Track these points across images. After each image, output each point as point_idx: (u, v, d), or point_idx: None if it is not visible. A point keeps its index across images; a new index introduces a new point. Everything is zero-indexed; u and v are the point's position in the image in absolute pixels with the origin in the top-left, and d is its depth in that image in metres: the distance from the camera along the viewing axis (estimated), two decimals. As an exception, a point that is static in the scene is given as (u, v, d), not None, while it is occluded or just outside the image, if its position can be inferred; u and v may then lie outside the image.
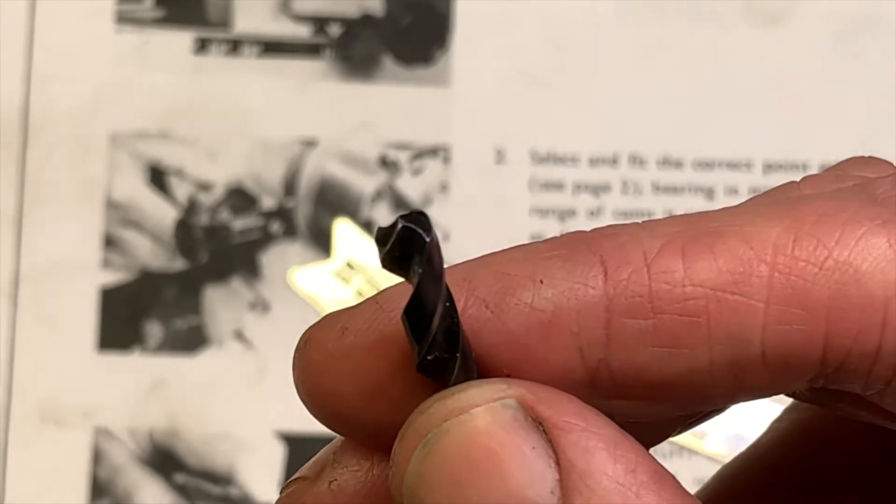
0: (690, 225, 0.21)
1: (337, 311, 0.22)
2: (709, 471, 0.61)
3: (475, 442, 0.20)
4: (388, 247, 0.20)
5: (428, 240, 0.20)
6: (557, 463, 0.20)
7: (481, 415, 0.20)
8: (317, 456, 0.23)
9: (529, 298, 0.21)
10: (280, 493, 0.23)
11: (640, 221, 0.22)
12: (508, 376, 0.21)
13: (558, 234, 0.22)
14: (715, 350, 0.20)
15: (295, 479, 0.23)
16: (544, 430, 0.20)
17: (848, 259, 0.20)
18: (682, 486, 0.21)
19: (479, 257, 0.22)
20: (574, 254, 0.21)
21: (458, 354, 0.20)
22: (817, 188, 0.22)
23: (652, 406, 0.21)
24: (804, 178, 0.23)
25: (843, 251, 0.20)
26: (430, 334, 0.20)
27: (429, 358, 0.20)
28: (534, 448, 0.20)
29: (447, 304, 0.20)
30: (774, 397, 0.24)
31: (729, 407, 0.24)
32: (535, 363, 0.21)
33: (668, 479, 0.20)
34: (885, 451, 0.25)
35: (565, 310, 0.21)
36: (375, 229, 0.20)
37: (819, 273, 0.20)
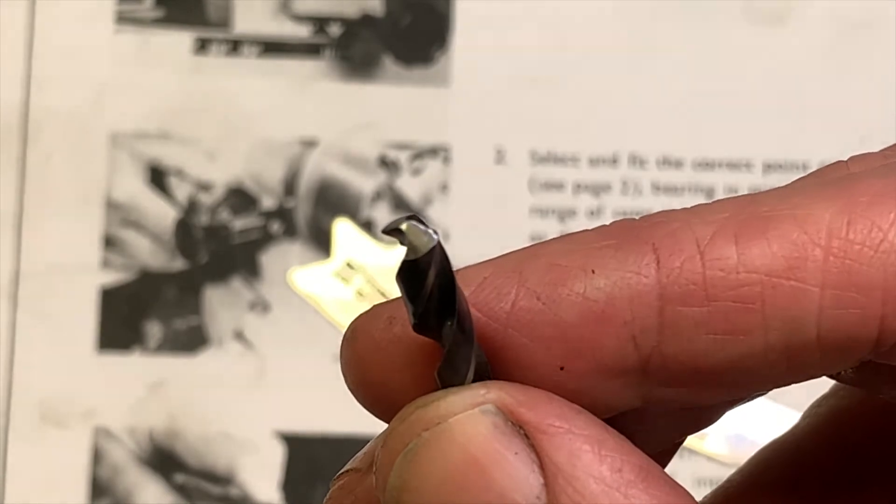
0: (741, 209, 0.21)
1: (385, 302, 0.22)
2: (709, 471, 0.61)
3: (456, 451, 0.20)
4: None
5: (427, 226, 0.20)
6: (542, 467, 0.20)
7: (461, 423, 0.20)
8: (367, 447, 0.23)
9: (582, 289, 0.21)
10: (331, 486, 0.23)
11: (688, 207, 0.22)
12: (562, 368, 0.21)
13: (558, 234, 0.22)
14: (770, 336, 0.20)
15: (346, 472, 0.23)
16: (526, 434, 0.20)
17: None
18: (670, 479, 0.21)
19: (527, 248, 0.22)
20: (625, 243, 0.21)
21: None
22: (865, 167, 0.22)
23: (704, 392, 0.21)
24: (852, 158, 0.23)
25: None
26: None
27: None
28: (516, 454, 0.20)
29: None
30: (774, 397, 0.24)
31: (776, 388, 0.23)
32: (589, 353, 0.21)
33: (655, 474, 0.20)
34: None
35: (618, 299, 0.21)
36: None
37: (874, 256, 0.20)
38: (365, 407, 0.22)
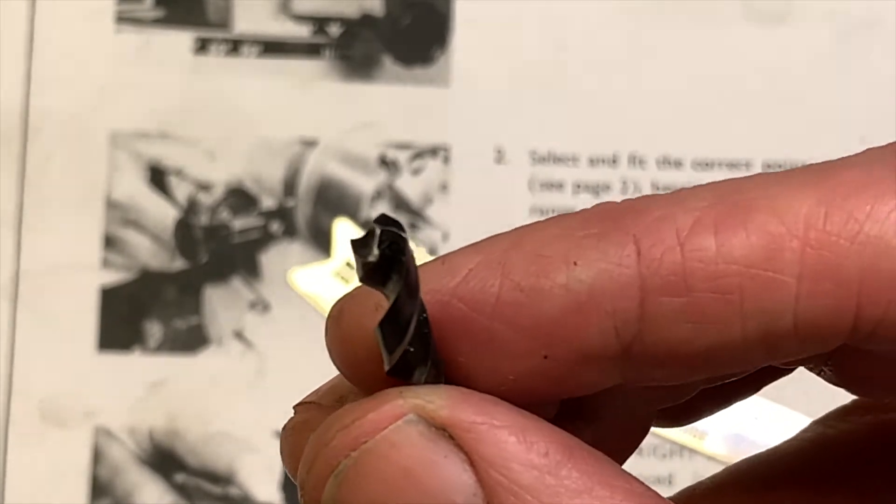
0: (721, 198, 0.21)
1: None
2: (709, 471, 0.61)
3: (389, 465, 0.20)
4: (370, 254, 0.20)
5: (405, 236, 0.20)
6: (472, 464, 0.20)
7: (388, 438, 0.21)
8: (333, 382, 0.23)
9: (564, 280, 0.21)
10: (294, 412, 0.23)
11: (670, 192, 0.22)
12: (545, 356, 0.21)
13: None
14: (748, 324, 0.21)
15: (310, 403, 0.23)
16: (451, 436, 0.21)
17: (879, 233, 0.20)
18: (597, 454, 0.21)
19: (510, 234, 0.22)
20: (607, 232, 0.21)
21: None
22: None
23: (683, 374, 0.22)
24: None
25: (875, 225, 0.21)
26: (403, 344, 0.21)
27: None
28: (446, 457, 0.20)
29: (422, 315, 0.21)
30: (774, 397, 0.25)
31: (756, 369, 0.24)
32: (571, 342, 0.21)
33: (581, 451, 0.21)
34: None
35: (600, 290, 0.21)
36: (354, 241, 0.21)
37: (851, 247, 0.20)
38: (350, 380, 0.22)
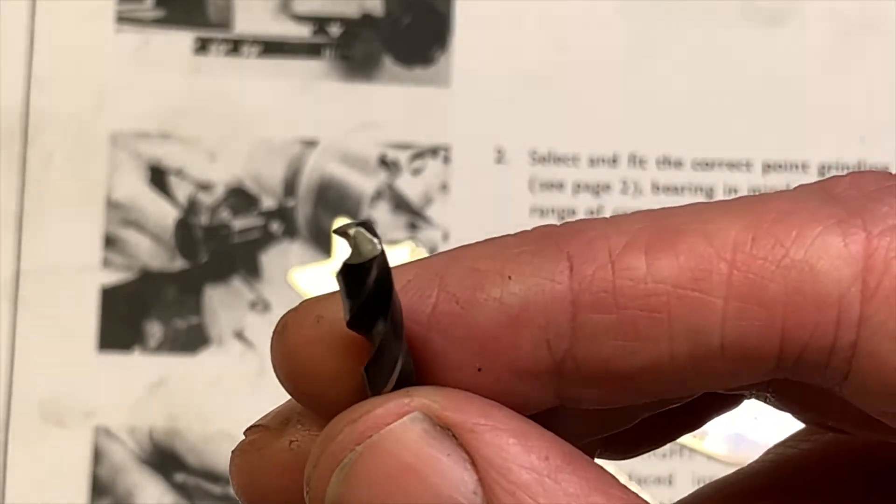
0: (655, 221, 0.22)
1: (313, 299, 0.23)
2: (709, 471, 0.61)
3: (392, 460, 0.21)
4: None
5: (385, 256, 0.21)
6: (474, 464, 0.21)
7: (393, 433, 0.21)
8: (282, 407, 0.24)
9: (498, 294, 0.21)
10: (244, 435, 0.24)
11: (608, 217, 0.22)
12: (479, 369, 0.22)
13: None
14: (676, 344, 0.21)
15: (258, 426, 0.24)
16: (454, 435, 0.21)
17: (804, 257, 0.21)
18: (594, 463, 0.21)
19: (451, 251, 0.23)
20: (542, 249, 0.22)
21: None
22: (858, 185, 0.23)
23: (617, 394, 0.22)
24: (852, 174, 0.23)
25: (800, 250, 0.21)
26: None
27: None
28: (448, 455, 0.21)
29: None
30: (787, 414, 0.25)
31: (693, 396, 0.24)
32: (504, 355, 0.22)
33: (581, 459, 0.21)
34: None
35: (533, 304, 0.21)
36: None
37: (776, 271, 0.21)
38: (293, 396, 0.23)
